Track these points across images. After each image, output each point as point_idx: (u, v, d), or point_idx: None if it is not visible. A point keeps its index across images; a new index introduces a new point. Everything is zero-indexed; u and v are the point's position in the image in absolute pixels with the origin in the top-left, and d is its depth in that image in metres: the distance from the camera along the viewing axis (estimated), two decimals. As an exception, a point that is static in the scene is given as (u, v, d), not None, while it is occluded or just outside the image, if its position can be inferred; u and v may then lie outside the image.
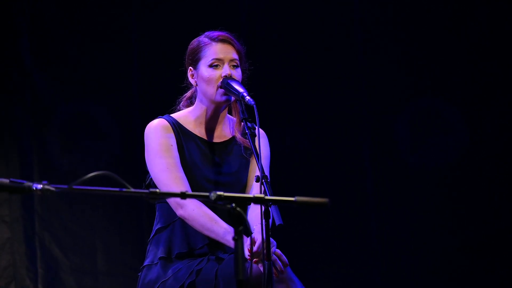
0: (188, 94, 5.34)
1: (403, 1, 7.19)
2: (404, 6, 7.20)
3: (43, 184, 3.74)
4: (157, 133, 5.17)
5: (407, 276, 7.09)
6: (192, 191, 5.02)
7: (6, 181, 3.77)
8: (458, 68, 7.17)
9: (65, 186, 3.75)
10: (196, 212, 5.06)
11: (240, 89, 5.00)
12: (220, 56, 5.14)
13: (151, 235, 5.25)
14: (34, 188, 3.74)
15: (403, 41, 7.20)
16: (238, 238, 3.73)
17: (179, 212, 5.09)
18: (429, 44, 7.18)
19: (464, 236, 7.08)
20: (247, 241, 4.62)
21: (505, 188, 6.86)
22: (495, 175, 7.09)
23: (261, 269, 4.64)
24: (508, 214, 5.44)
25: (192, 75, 5.21)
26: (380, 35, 7.22)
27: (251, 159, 5.25)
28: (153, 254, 5.18)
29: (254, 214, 4.92)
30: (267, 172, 5.11)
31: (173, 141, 5.17)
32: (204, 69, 5.14)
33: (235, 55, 5.16)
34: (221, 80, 5.11)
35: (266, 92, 6.09)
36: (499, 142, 7.14)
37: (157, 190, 4.04)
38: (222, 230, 4.98)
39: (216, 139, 5.26)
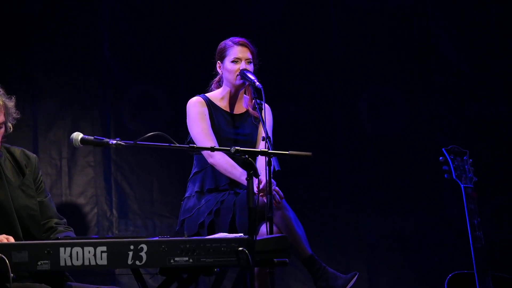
0: (217, 79, 5.32)
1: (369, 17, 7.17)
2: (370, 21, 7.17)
3: (117, 140, 3.75)
4: (195, 106, 5.18)
5: (366, 198, 7.04)
6: (219, 146, 5.01)
7: (91, 138, 3.78)
8: (401, 64, 7.13)
9: (131, 142, 3.76)
10: (221, 161, 5.07)
11: (252, 77, 5.03)
12: (239, 56, 5.16)
13: (190, 175, 5.25)
14: (110, 143, 3.76)
15: (366, 43, 7.14)
16: (249, 179, 3.71)
17: (210, 160, 5.10)
18: (383, 46, 7.13)
19: (402, 177, 7.04)
20: (256, 181, 4.46)
21: (431, 148, 6.78)
22: (425, 138, 7.07)
23: (265, 200, 4.62)
24: (435, 165, 5.43)
25: (220, 67, 5.23)
26: (350, 40, 7.16)
27: (259, 125, 5.25)
28: (191, 189, 5.20)
29: (261, 163, 4.89)
30: (270, 134, 5.13)
31: (206, 112, 5.17)
32: (228, 63, 5.16)
33: (249, 55, 5.18)
34: (239, 71, 5.13)
35: (270, 78, 6.03)
36: (428, 116, 7.13)
37: (195, 145, 4.04)
38: (238, 173, 5.00)
39: (236, 111, 5.26)
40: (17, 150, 4.03)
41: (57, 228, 3.99)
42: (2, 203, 3.86)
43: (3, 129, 3.85)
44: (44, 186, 4.07)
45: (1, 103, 3.83)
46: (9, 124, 3.89)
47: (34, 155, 4.09)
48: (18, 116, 3.92)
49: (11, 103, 3.88)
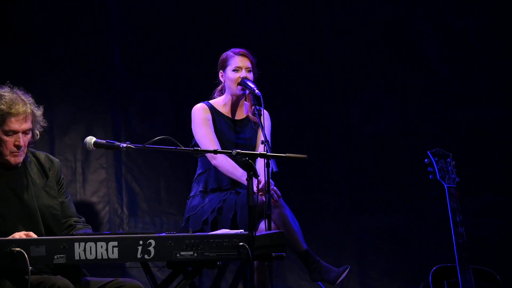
0: (219, 87, 5.37)
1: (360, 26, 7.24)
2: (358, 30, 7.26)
3: (127, 144, 3.86)
4: (199, 112, 5.23)
5: (366, 196, 7.07)
6: (221, 149, 5.03)
7: (103, 141, 3.90)
8: (390, 71, 7.16)
9: (141, 145, 3.85)
10: (223, 162, 5.13)
11: (252, 85, 5.09)
12: (240, 65, 5.21)
13: (195, 176, 5.31)
14: (121, 146, 3.87)
15: (359, 51, 7.18)
16: (249, 179, 3.80)
17: (213, 162, 5.15)
18: (377, 52, 7.16)
19: (394, 178, 7.05)
20: (255, 181, 4.53)
21: (419, 150, 6.75)
22: (410, 137, 7.08)
23: (264, 199, 4.67)
24: (422, 166, 5.46)
25: (222, 76, 5.28)
26: (344, 48, 7.19)
27: (258, 130, 5.27)
28: (196, 188, 5.26)
29: (260, 164, 4.86)
30: (268, 138, 5.16)
31: (209, 117, 5.22)
32: (229, 72, 5.21)
33: (249, 64, 5.22)
34: (240, 80, 5.18)
35: (269, 85, 6.09)
36: (414, 119, 7.19)
37: (199, 148, 4.12)
38: (239, 174, 5.05)
39: (237, 117, 5.31)
40: (41, 154, 4.07)
41: (75, 225, 4.05)
42: (28, 202, 3.91)
43: (30, 135, 3.88)
44: (65, 188, 4.12)
45: (30, 111, 3.86)
46: (36, 131, 3.92)
47: (57, 160, 4.12)
48: (45, 124, 3.96)
49: (39, 112, 3.91)
